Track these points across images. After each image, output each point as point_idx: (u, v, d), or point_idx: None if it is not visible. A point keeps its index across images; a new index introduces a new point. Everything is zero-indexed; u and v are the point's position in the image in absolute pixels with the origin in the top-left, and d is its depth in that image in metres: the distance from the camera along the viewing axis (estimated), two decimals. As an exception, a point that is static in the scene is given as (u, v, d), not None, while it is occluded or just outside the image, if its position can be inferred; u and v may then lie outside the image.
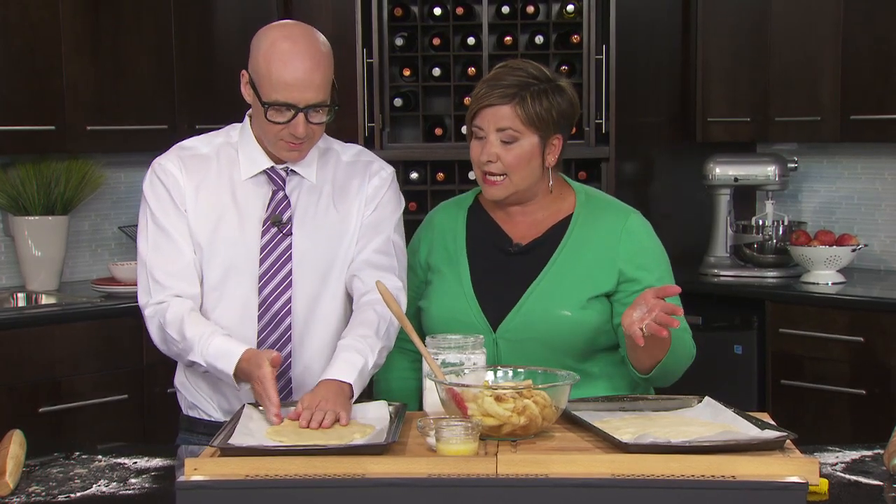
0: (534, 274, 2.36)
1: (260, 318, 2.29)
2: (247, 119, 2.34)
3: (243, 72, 2.25)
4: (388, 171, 2.42)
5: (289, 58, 2.17)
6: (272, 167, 2.30)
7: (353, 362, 2.15)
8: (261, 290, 2.28)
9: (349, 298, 2.36)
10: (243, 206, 2.30)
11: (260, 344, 2.28)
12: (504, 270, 2.38)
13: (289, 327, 2.29)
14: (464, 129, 4.22)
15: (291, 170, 2.31)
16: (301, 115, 2.18)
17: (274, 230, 2.29)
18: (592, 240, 2.37)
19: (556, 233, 2.39)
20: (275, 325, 2.29)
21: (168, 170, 2.30)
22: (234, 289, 2.29)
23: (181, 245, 2.28)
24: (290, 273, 2.29)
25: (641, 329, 2.05)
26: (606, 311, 2.35)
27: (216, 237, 2.28)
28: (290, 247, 2.29)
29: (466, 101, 4.23)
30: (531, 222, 2.41)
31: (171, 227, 2.28)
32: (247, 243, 2.29)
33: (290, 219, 2.30)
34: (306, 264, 2.30)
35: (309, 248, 2.31)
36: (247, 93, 2.26)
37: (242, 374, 2.14)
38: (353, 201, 2.35)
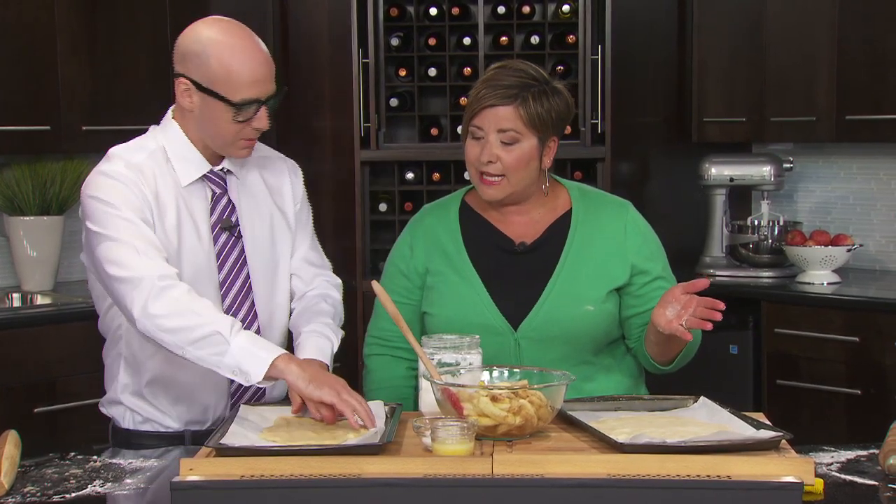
0: (548, 271, 2.36)
1: None
2: (171, 123, 2.27)
3: (181, 80, 2.18)
4: (297, 165, 2.45)
5: (245, 54, 2.15)
6: (211, 170, 2.27)
7: (324, 345, 2.24)
8: (223, 297, 2.26)
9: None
10: (191, 212, 2.24)
11: None
12: (513, 270, 2.38)
13: (258, 332, 2.27)
14: (459, 129, 4.24)
15: (228, 170, 2.29)
16: (264, 108, 2.18)
17: (225, 235, 2.27)
18: (598, 235, 2.39)
19: (558, 230, 2.40)
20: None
21: (127, 177, 2.17)
22: None
23: (157, 243, 2.16)
24: (248, 277, 2.28)
25: (682, 325, 2.13)
26: (618, 303, 2.39)
27: (181, 246, 2.22)
28: (243, 250, 2.28)
29: (462, 101, 4.24)
30: (528, 221, 2.42)
31: (140, 222, 2.15)
32: (205, 250, 2.25)
33: (237, 221, 2.28)
34: (259, 266, 2.30)
35: (258, 250, 2.30)
36: (191, 100, 2.18)
37: (303, 370, 2.03)
38: (285, 199, 2.38)
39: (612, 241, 2.39)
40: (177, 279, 2.13)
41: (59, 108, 3.77)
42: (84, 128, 3.82)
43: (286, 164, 2.42)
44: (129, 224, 2.15)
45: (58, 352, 3.53)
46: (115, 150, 2.26)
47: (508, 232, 2.42)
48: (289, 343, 2.45)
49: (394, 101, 4.27)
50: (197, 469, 1.81)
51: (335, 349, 2.29)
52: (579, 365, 2.35)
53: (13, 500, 1.88)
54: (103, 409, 2.41)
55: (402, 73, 4.29)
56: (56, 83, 3.76)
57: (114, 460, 2.10)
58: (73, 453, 2.13)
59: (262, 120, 2.18)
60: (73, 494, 1.91)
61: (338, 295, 2.41)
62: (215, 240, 2.26)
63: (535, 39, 4.23)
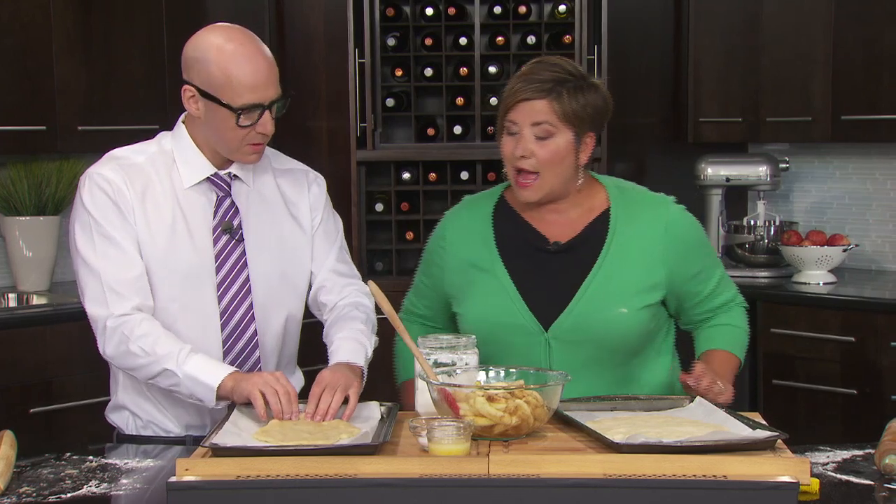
0: (583, 272, 2.32)
1: (223, 326, 2.27)
2: (181, 127, 2.30)
3: (186, 87, 2.21)
4: (322, 178, 2.46)
5: (245, 59, 2.16)
6: (216, 173, 2.28)
7: (358, 349, 2.25)
8: (220, 298, 2.27)
9: (304, 309, 2.40)
10: (190, 214, 2.26)
11: (226, 353, 2.28)
12: (546, 270, 2.35)
13: (254, 334, 2.29)
14: (457, 129, 4.25)
15: (234, 175, 2.30)
16: (268, 113, 2.19)
17: (226, 237, 2.27)
18: (637, 237, 2.34)
19: (596, 230, 2.36)
20: (239, 332, 2.28)
21: (111, 179, 2.23)
22: (193, 299, 2.25)
23: (132, 255, 2.22)
24: (247, 279, 2.28)
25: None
26: (659, 306, 2.36)
27: (170, 247, 2.24)
28: (244, 253, 2.28)
29: (459, 101, 4.24)
30: (564, 221, 2.38)
31: (119, 237, 2.22)
32: (200, 252, 2.26)
33: (239, 225, 2.29)
34: (262, 270, 2.30)
35: (262, 254, 2.31)
36: (196, 106, 2.21)
37: (234, 381, 2.11)
38: (301, 210, 2.38)
39: (651, 243, 2.34)
40: (130, 312, 2.19)
41: (54, 108, 3.76)
42: (80, 128, 3.81)
43: (307, 176, 2.43)
44: (106, 244, 2.21)
45: (54, 352, 3.53)
46: (114, 151, 2.31)
47: (544, 231, 2.38)
48: (302, 348, 2.46)
49: (390, 102, 4.27)
50: (193, 469, 1.81)
51: (369, 354, 2.29)
52: (613, 368, 2.33)
53: (9, 500, 1.88)
54: (108, 418, 2.43)
55: (399, 73, 4.28)
56: (52, 83, 3.76)
57: (110, 460, 2.10)
58: (68, 454, 2.13)
59: (266, 125, 2.19)
60: (69, 495, 1.91)
61: (369, 303, 2.40)
62: (215, 241, 2.27)
63: (531, 39, 4.23)
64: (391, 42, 4.26)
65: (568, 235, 2.36)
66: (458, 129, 4.26)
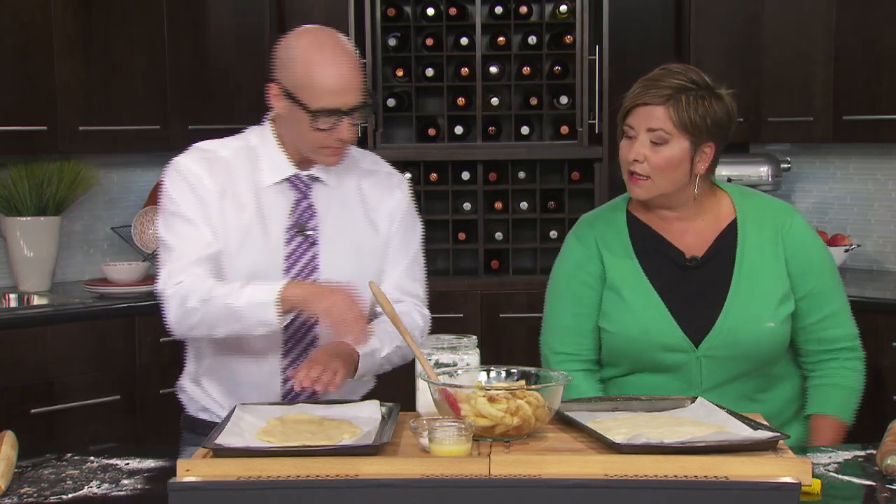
0: (722, 288, 2.33)
1: (285, 328, 2.25)
2: (268, 124, 2.31)
3: (271, 84, 2.22)
4: (407, 183, 2.44)
5: (329, 63, 2.17)
6: (296, 174, 2.28)
7: (371, 342, 2.21)
8: None
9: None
10: (267, 213, 2.26)
11: (285, 355, 2.28)
12: (687, 286, 2.35)
13: (315, 339, 2.28)
14: (458, 129, 4.25)
15: (315, 177, 2.30)
16: (346, 119, 2.18)
17: (299, 238, 2.27)
18: (765, 248, 2.36)
19: (726, 241, 2.37)
20: (300, 336, 2.27)
21: (193, 170, 2.25)
22: None
23: (207, 234, 2.23)
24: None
25: None
26: (791, 314, 2.37)
27: (242, 243, 2.24)
28: (315, 256, 2.28)
29: (460, 101, 4.24)
30: (695, 231, 2.38)
31: (192, 216, 2.22)
32: (271, 251, 2.26)
33: (315, 227, 2.28)
34: (331, 274, 2.27)
35: (335, 258, 2.29)
36: (280, 105, 2.22)
37: (302, 291, 2.10)
38: (380, 214, 2.36)
39: (776, 252, 2.36)
40: (184, 277, 2.18)
41: (55, 109, 3.77)
42: (81, 128, 3.81)
43: (392, 179, 2.40)
44: (180, 223, 2.23)
45: (54, 352, 3.53)
46: (200, 143, 2.32)
47: (677, 243, 2.37)
48: None
49: (391, 102, 4.27)
50: (194, 470, 1.80)
51: (383, 354, 2.24)
52: (758, 377, 2.37)
53: (10, 500, 1.88)
54: (177, 394, 2.47)
55: (400, 73, 4.29)
56: (52, 83, 3.76)
57: (111, 461, 2.10)
58: (69, 454, 2.13)
59: (342, 131, 2.19)
60: (70, 495, 1.91)
61: (422, 323, 2.36)
62: (288, 242, 2.27)
63: (532, 40, 4.23)
64: (392, 42, 4.26)
65: (699, 247, 2.36)
66: (458, 130, 4.26)
